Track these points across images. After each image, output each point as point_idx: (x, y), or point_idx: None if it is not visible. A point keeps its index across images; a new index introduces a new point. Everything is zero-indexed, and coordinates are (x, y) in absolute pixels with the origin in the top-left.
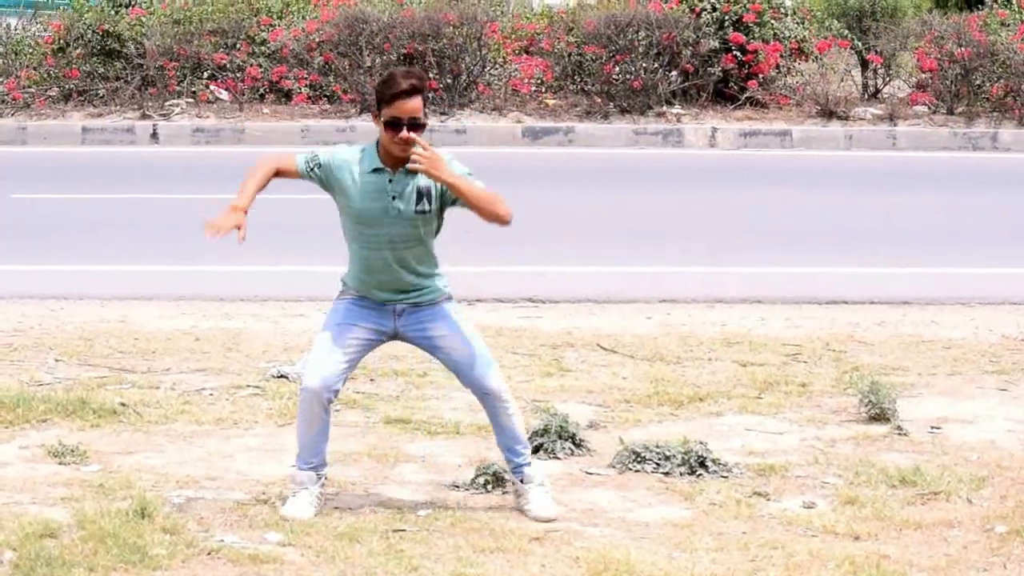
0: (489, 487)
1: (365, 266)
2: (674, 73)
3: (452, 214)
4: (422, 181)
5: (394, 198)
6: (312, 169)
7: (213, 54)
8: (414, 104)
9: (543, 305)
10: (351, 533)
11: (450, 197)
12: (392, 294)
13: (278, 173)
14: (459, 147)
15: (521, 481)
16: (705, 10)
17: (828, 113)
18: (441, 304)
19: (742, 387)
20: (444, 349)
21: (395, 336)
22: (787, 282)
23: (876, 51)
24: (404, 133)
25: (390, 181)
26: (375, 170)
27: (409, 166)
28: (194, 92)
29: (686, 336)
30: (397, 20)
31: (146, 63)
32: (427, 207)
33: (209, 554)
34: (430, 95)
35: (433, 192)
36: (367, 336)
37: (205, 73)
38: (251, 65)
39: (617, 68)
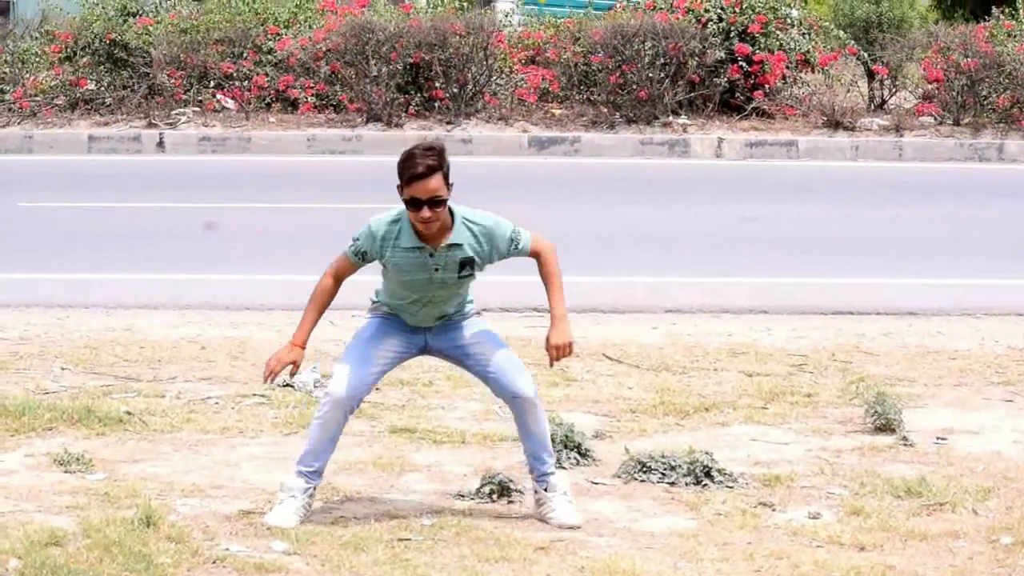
0: (494, 496)
1: (400, 306)
2: (680, 83)
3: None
4: (464, 253)
5: (436, 270)
6: (360, 257)
7: (220, 63)
8: (433, 184)
9: (548, 315)
10: (356, 542)
11: (508, 255)
12: (427, 321)
13: (337, 280)
14: (465, 157)
15: (545, 490)
16: (711, 20)
17: (834, 124)
18: (470, 317)
19: (748, 397)
20: (476, 356)
21: (424, 350)
22: (793, 292)
23: (882, 62)
24: (425, 212)
25: (431, 255)
26: (415, 248)
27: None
28: (200, 101)
29: (692, 346)
30: (403, 29)
31: (153, 72)
32: (470, 272)
33: (214, 563)
34: (445, 169)
35: (478, 261)
36: (396, 350)
37: (211, 82)
38: (257, 74)
39: (623, 78)
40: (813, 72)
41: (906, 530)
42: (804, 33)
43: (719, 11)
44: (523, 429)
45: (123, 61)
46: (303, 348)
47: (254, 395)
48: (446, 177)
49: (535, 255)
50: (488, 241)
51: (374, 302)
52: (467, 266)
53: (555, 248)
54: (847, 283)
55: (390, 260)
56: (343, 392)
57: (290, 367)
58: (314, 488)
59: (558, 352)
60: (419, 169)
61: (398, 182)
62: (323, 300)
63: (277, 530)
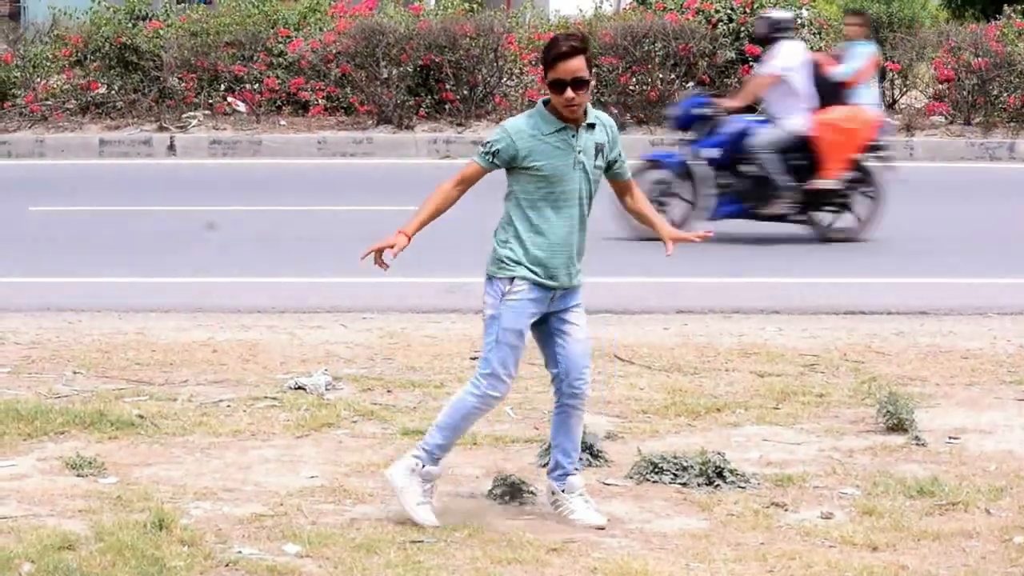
0: (506, 498)
1: (555, 227)
2: (691, 84)
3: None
4: (598, 137)
5: (580, 152)
6: (493, 161)
7: (230, 66)
8: (576, 64)
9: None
10: (369, 544)
11: (614, 161)
12: (566, 270)
13: (460, 186)
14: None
15: (563, 490)
16: (721, 21)
17: None
18: (579, 288)
19: (759, 398)
20: (568, 333)
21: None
22: (804, 292)
23: (893, 61)
24: (568, 93)
25: (574, 136)
26: (559, 129)
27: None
28: (211, 104)
29: (703, 347)
30: (414, 32)
31: (163, 75)
32: (601, 163)
33: (227, 566)
34: (589, 54)
35: (604, 149)
36: (528, 332)
37: (222, 85)
38: (268, 77)
39: (634, 79)
40: None
41: (919, 530)
42: (814, 33)
43: (729, 12)
44: (563, 424)
45: (134, 65)
46: (408, 238)
47: (266, 398)
48: (589, 63)
49: (627, 189)
50: (612, 134)
51: (509, 262)
52: (599, 153)
53: None
54: (858, 283)
55: (532, 152)
56: (502, 392)
57: (391, 250)
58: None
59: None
60: (563, 48)
61: (543, 72)
62: (440, 201)
63: (290, 533)
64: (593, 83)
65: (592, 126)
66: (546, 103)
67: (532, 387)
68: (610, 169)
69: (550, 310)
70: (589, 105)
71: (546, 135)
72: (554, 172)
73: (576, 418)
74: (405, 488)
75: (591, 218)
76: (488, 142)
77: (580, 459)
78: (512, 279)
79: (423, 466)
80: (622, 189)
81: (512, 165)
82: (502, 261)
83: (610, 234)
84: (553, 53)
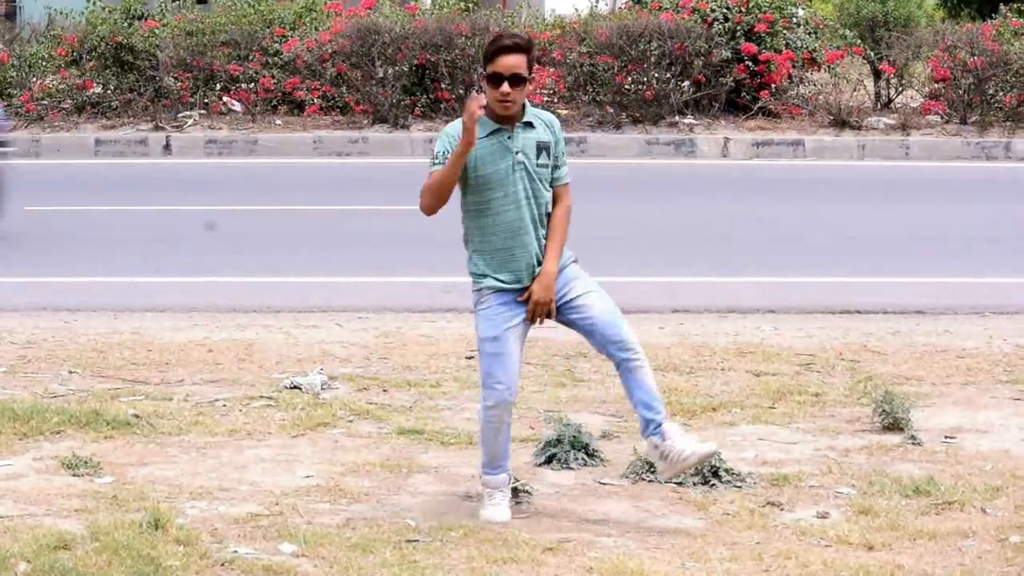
0: (484, 501)
1: (504, 232)
2: (686, 83)
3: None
4: (541, 136)
5: (517, 152)
6: (441, 163)
7: (226, 65)
8: (515, 60)
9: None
10: (364, 544)
11: (554, 161)
12: (528, 270)
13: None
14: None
15: (664, 440)
16: (717, 20)
17: (840, 123)
18: (569, 266)
19: (755, 397)
20: (583, 307)
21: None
22: (800, 292)
23: (888, 61)
24: (505, 87)
25: (509, 137)
26: (493, 131)
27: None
28: (207, 104)
29: (699, 346)
30: (409, 31)
31: (159, 75)
32: (546, 161)
33: (223, 565)
34: (531, 55)
35: (551, 149)
36: (520, 330)
37: (218, 85)
38: (264, 76)
39: (629, 78)
40: (819, 71)
41: (915, 529)
42: (810, 32)
43: (725, 11)
44: (631, 381)
45: (129, 64)
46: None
47: (261, 397)
48: (530, 64)
49: (556, 198)
50: (556, 134)
51: (477, 282)
52: (544, 152)
53: (571, 210)
54: (854, 282)
55: (471, 157)
56: (500, 398)
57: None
58: (510, 475)
59: (536, 308)
60: (505, 43)
61: (482, 71)
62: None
63: (285, 532)
64: (531, 87)
65: (530, 125)
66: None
67: (527, 387)
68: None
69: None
70: (528, 104)
71: (481, 138)
72: (493, 176)
73: (640, 371)
74: (482, 503)
75: (581, 215)
76: (436, 152)
77: (663, 407)
78: (480, 291)
79: (482, 479)
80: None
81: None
82: (472, 274)
83: (604, 233)
84: (494, 47)
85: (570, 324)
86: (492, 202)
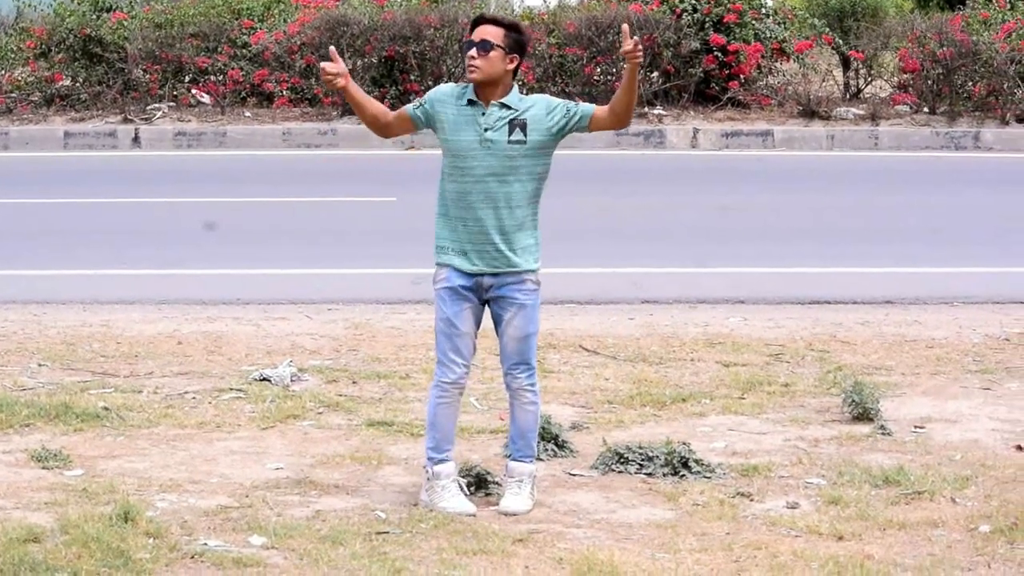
0: (472, 489)
1: (462, 202)
2: (655, 74)
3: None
4: (517, 115)
5: (487, 130)
6: (419, 107)
7: (195, 58)
8: (488, 29)
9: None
10: (334, 536)
11: (567, 120)
12: (486, 253)
13: (387, 122)
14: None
15: (504, 474)
16: (686, 11)
17: (810, 113)
18: (526, 282)
19: (725, 388)
20: (500, 325)
21: (484, 303)
22: (769, 282)
23: (858, 51)
24: (472, 52)
25: (483, 114)
26: (470, 102)
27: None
28: (176, 96)
29: (668, 337)
30: (378, 23)
31: (128, 67)
32: (522, 137)
33: (192, 558)
34: (511, 36)
35: (531, 124)
36: (476, 310)
37: (187, 77)
38: (232, 68)
39: (598, 69)
40: (788, 62)
41: (884, 519)
42: (779, 23)
43: (694, 2)
44: (510, 411)
45: (98, 56)
46: (345, 82)
47: (231, 390)
48: (507, 40)
49: (602, 114)
50: (544, 106)
51: (436, 247)
52: (517, 129)
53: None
54: (824, 272)
55: (446, 119)
56: (453, 378)
57: (333, 65)
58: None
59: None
60: (483, 15)
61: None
62: (377, 106)
63: (255, 524)
64: (511, 66)
65: (507, 106)
66: None
67: (497, 377)
68: (571, 129)
69: (488, 296)
70: (516, 89)
71: (460, 106)
72: (460, 144)
73: (519, 409)
74: (431, 498)
75: (550, 207)
76: (421, 99)
77: (531, 450)
78: (438, 265)
79: (428, 470)
80: (603, 123)
81: (434, 128)
82: (436, 245)
83: (573, 224)
84: (474, 20)
85: (495, 324)
86: (455, 170)
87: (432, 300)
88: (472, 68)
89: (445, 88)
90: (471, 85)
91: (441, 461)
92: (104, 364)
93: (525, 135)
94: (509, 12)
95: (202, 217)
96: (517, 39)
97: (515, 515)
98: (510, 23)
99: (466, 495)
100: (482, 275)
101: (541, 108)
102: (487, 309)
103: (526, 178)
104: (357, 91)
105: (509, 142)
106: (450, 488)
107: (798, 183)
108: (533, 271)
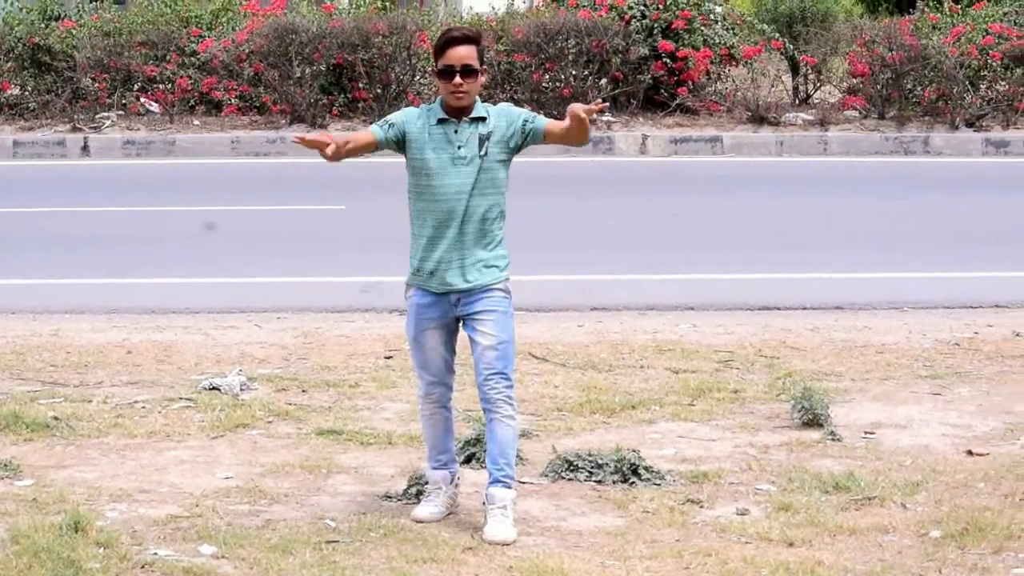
0: (422, 497)
1: (432, 221)
2: (604, 81)
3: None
4: (483, 129)
5: (459, 147)
6: (387, 129)
7: (143, 66)
8: (466, 51)
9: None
10: (284, 545)
11: (523, 137)
12: (457, 271)
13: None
14: (390, 157)
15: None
16: (635, 17)
17: (759, 119)
18: (496, 293)
19: (674, 394)
20: (475, 340)
21: (458, 320)
22: (719, 289)
23: (807, 56)
24: (457, 79)
25: (455, 131)
26: (440, 121)
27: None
28: (124, 104)
29: (618, 344)
30: (326, 30)
31: (76, 76)
32: (492, 151)
33: (143, 568)
34: (481, 47)
35: (496, 138)
36: (445, 328)
37: (135, 85)
38: (181, 76)
39: (547, 76)
40: (737, 67)
41: (835, 525)
42: (728, 28)
43: (642, 8)
44: (488, 430)
45: (47, 65)
46: (335, 152)
47: (181, 399)
48: (480, 55)
49: (550, 131)
50: (506, 117)
51: (409, 274)
52: (486, 143)
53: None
54: (773, 278)
55: (416, 141)
56: (425, 391)
57: (321, 146)
58: (457, 477)
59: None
60: (454, 34)
61: (433, 64)
62: (364, 139)
63: (205, 534)
64: (484, 78)
65: (482, 119)
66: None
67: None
68: (526, 145)
69: (459, 314)
70: (478, 100)
71: (432, 126)
72: (431, 164)
73: (497, 423)
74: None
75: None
76: (385, 119)
77: (508, 469)
78: (407, 284)
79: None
80: (557, 139)
81: (402, 150)
82: (410, 263)
83: (522, 231)
84: (443, 40)
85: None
86: (426, 189)
87: (380, 309)
88: (459, 96)
89: (410, 111)
90: (437, 103)
91: (435, 468)
92: (54, 373)
93: (494, 149)
94: (458, 19)
95: (152, 225)
96: (483, 49)
97: (504, 544)
98: (476, 35)
99: (447, 506)
100: (449, 293)
101: (503, 121)
102: (461, 327)
103: (493, 192)
104: (347, 145)
105: (480, 156)
106: (431, 495)
107: (747, 189)
108: (501, 281)
